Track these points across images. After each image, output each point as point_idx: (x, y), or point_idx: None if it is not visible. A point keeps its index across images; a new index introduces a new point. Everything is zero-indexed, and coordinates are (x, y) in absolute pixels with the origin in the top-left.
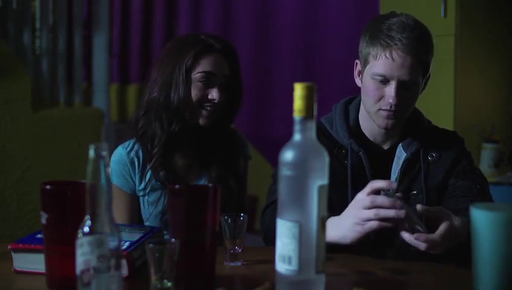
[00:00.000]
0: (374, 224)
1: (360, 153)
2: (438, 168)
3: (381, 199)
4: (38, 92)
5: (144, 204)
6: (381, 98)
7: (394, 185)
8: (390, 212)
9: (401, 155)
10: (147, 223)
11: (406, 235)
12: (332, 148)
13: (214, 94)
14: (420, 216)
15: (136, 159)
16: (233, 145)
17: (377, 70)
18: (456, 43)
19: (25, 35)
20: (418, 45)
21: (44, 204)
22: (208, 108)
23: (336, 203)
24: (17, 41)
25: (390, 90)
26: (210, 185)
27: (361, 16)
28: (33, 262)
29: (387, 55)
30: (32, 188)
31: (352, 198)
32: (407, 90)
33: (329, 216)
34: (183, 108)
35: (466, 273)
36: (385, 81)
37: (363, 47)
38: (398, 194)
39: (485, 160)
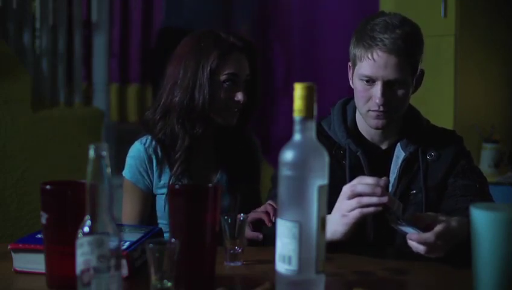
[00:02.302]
0: (357, 213)
1: (358, 153)
2: (437, 167)
3: (361, 187)
4: (38, 92)
5: (164, 203)
6: (369, 99)
7: (382, 182)
8: (373, 199)
9: (399, 155)
10: (161, 222)
11: (409, 241)
12: (331, 149)
13: (239, 96)
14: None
15: (154, 156)
16: (252, 146)
17: (362, 72)
18: (456, 43)
19: (25, 35)
20: (402, 44)
21: (44, 204)
22: (234, 109)
23: (334, 203)
24: (17, 41)
25: (377, 90)
26: (210, 185)
27: (361, 16)
28: (33, 262)
29: (370, 56)
30: (32, 188)
31: None
32: (395, 89)
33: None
34: (208, 110)
35: (466, 273)
36: (371, 81)
37: (351, 49)
38: (382, 181)
39: (485, 160)
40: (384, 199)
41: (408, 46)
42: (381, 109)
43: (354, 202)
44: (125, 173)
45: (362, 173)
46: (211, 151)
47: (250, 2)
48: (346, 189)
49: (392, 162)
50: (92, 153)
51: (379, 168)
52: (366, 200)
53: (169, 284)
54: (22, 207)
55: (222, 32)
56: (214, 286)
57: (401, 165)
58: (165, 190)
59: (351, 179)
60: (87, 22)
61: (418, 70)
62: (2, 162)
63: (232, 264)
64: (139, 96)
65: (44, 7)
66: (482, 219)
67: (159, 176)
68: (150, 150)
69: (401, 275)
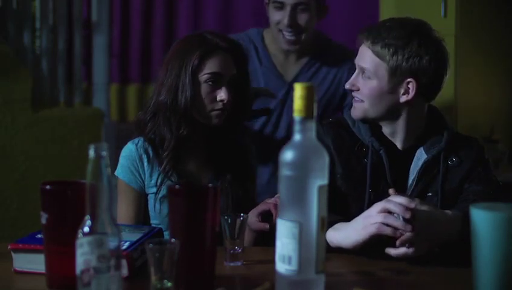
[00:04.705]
0: (374, 227)
1: (381, 152)
2: (456, 173)
3: (394, 206)
4: (38, 92)
5: (154, 202)
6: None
7: (413, 205)
8: (398, 223)
9: (421, 156)
10: (154, 222)
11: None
12: (353, 145)
13: (222, 95)
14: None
15: (145, 155)
16: (243, 146)
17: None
18: (456, 43)
19: (25, 35)
20: (375, 33)
21: (44, 204)
22: (218, 109)
23: (352, 200)
24: (17, 41)
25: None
26: (210, 185)
27: (361, 16)
28: (33, 262)
29: (358, 45)
30: (32, 188)
31: (369, 196)
32: (366, 79)
33: (344, 214)
34: (191, 111)
35: (466, 273)
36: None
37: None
38: (412, 204)
39: None
40: (408, 228)
41: (384, 36)
42: (353, 95)
43: (380, 217)
44: (118, 172)
45: (383, 172)
46: (202, 151)
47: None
48: (381, 203)
49: (412, 164)
50: (92, 153)
51: (399, 168)
52: (391, 221)
53: (169, 284)
54: (22, 207)
55: (209, 34)
56: (214, 286)
57: (421, 168)
58: (156, 189)
59: (371, 177)
60: (87, 22)
61: (402, 71)
62: (2, 162)
63: (232, 264)
64: (139, 96)
65: (44, 7)
66: (482, 219)
67: (150, 175)
68: (141, 150)
69: (401, 275)
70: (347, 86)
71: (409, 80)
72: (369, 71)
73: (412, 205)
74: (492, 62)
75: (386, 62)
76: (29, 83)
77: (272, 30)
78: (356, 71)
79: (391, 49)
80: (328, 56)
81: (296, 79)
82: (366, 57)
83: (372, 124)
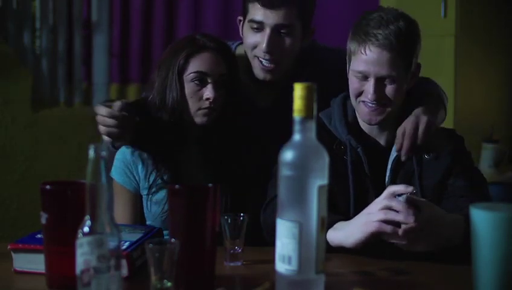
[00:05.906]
0: (375, 225)
1: (359, 150)
2: (434, 167)
3: (396, 203)
4: (38, 92)
5: (147, 204)
6: (361, 93)
7: (410, 189)
8: (399, 216)
9: (393, 153)
10: (148, 223)
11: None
12: (331, 144)
13: (208, 93)
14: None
15: (139, 158)
16: (238, 145)
17: (355, 68)
18: (456, 43)
19: (25, 35)
20: (394, 40)
21: (44, 204)
22: (205, 108)
23: (338, 198)
24: (17, 41)
25: (369, 86)
26: (210, 185)
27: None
28: (33, 262)
29: (363, 51)
30: (32, 188)
31: (354, 194)
32: (387, 85)
33: (333, 214)
34: (179, 110)
35: (466, 273)
36: (364, 77)
37: (348, 43)
38: (410, 188)
39: (485, 160)
40: (410, 220)
41: (401, 42)
42: (375, 104)
43: (381, 214)
44: (113, 174)
45: (362, 169)
46: (194, 150)
47: None
48: (380, 201)
49: (389, 161)
50: (91, 153)
51: (378, 164)
52: (392, 215)
53: (169, 284)
54: (22, 207)
55: (198, 35)
56: (214, 286)
57: (392, 164)
58: (151, 191)
59: (353, 174)
60: (87, 22)
61: (413, 64)
62: (2, 162)
63: (232, 264)
64: (139, 96)
65: (44, 7)
66: (482, 219)
67: (145, 177)
68: (136, 153)
69: (401, 275)
70: (372, 99)
71: (417, 68)
72: (393, 76)
73: (409, 189)
74: (492, 62)
75: (409, 62)
76: (29, 83)
77: (246, 54)
78: (372, 81)
79: (410, 51)
80: (310, 69)
81: (275, 105)
82: (386, 63)
83: (348, 120)
